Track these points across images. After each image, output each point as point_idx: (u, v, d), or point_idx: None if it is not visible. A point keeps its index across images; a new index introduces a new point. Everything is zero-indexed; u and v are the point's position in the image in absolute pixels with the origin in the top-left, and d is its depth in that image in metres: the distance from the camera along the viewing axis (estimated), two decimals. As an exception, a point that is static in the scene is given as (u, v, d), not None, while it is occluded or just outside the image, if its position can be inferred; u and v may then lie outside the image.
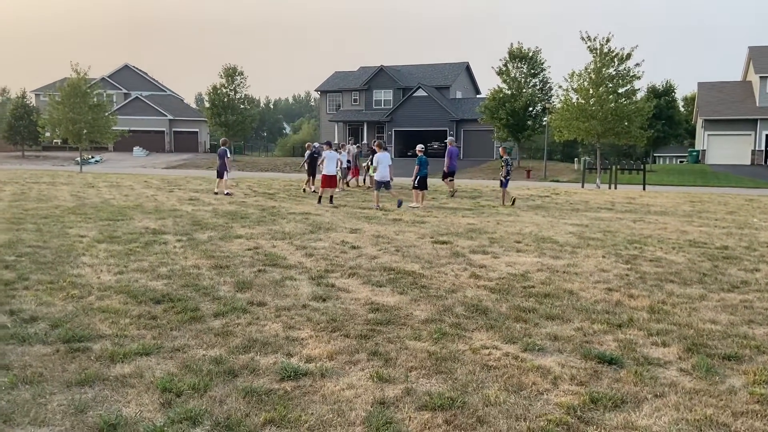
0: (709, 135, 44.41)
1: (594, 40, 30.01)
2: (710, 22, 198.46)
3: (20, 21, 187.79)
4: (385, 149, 16.06)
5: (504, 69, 42.43)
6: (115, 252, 8.28)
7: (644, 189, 26.01)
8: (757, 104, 43.14)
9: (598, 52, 29.96)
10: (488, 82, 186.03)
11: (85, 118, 35.99)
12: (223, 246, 8.97)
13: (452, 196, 19.23)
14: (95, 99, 37.35)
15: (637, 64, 30.17)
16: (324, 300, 6.04)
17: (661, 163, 61.23)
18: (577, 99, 30.80)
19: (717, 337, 5.11)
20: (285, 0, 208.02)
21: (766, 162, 42.10)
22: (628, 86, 30.30)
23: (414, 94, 52.46)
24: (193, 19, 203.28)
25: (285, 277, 7.00)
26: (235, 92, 50.13)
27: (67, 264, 7.42)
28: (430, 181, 17.34)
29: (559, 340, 4.93)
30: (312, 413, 3.55)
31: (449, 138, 20.94)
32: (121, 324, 5.11)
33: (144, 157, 56.36)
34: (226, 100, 49.42)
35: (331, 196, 16.14)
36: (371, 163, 18.22)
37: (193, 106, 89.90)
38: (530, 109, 42.20)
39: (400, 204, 15.25)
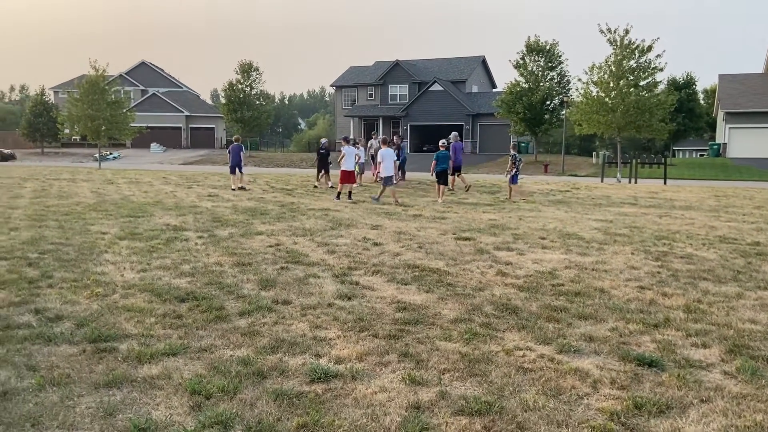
0: (730, 128, 43.58)
1: (614, 32, 29.59)
2: (731, 11, 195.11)
3: (39, 20, 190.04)
4: (395, 145, 15.96)
5: (521, 62, 41.93)
6: (137, 249, 8.24)
7: (665, 183, 25.57)
8: (781, 96, 42.31)
9: (619, 44, 29.52)
10: (504, 76, 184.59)
11: (103, 114, 36.22)
12: (244, 243, 8.90)
13: (467, 190, 19.11)
14: (113, 96, 37.55)
15: (658, 56, 29.73)
16: (349, 298, 5.93)
17: (681, 156, 60.33)
18: (597, 92, 30.38)
19: (759, 337, 4.92)
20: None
21: (790, 155, 41.27)
22: (650, 79, 29.84)
23: (430, 89, 52.04)
24: (208, 16, 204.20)
25: (308, 274, 6.90)
26: (251, 88, 50.10)
27: (90, 261, 7.39)
28: None
29: (595, 341, 4.77)
30: (345, 418, 3.44)
31: (453, 134, 20.78)
32: (146, 323, 5.04)
33: (161, 153, 56.72)
34: (242, 96, 49.45)
35: (350, 192, 16.04)
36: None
37: (209, 102, 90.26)
38: (547, 102, 41.66)
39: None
